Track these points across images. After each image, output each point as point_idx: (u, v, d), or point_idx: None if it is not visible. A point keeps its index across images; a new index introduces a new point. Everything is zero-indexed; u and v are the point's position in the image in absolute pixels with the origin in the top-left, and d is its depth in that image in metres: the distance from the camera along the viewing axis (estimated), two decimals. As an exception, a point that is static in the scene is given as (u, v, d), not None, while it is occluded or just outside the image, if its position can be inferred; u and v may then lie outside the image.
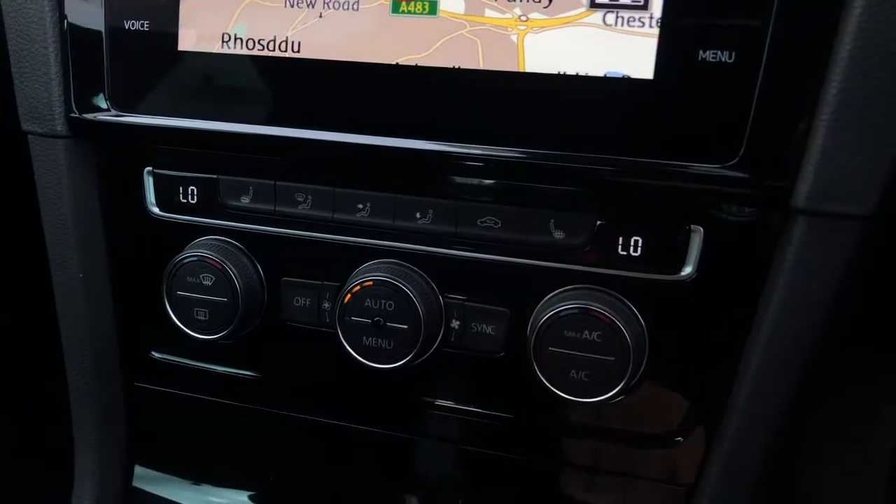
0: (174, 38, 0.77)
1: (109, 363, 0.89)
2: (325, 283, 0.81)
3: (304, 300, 0.82)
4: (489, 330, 0.78)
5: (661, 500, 0.76)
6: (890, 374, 1.02)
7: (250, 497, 0.90)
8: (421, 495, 0.85)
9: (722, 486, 0.74)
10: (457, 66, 0.70)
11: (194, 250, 0.81)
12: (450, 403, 0.80)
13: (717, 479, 0.74)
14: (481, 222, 0.75)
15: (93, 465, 0.88)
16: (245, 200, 0.82)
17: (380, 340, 0.78)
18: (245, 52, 0.75)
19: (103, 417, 0.89)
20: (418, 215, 0.77)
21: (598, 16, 0.67)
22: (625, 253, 0.72)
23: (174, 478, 0.91)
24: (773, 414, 0.71)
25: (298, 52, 0.74)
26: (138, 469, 0.90)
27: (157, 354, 0.89)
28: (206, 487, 0.90)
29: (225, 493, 0.90)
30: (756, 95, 0.63)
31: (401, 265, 0.78)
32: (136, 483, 0.90)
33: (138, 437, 0.91)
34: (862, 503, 1.00)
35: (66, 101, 0.82)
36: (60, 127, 0.83)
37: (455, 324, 0.78)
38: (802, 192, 0.64)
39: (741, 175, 0.65)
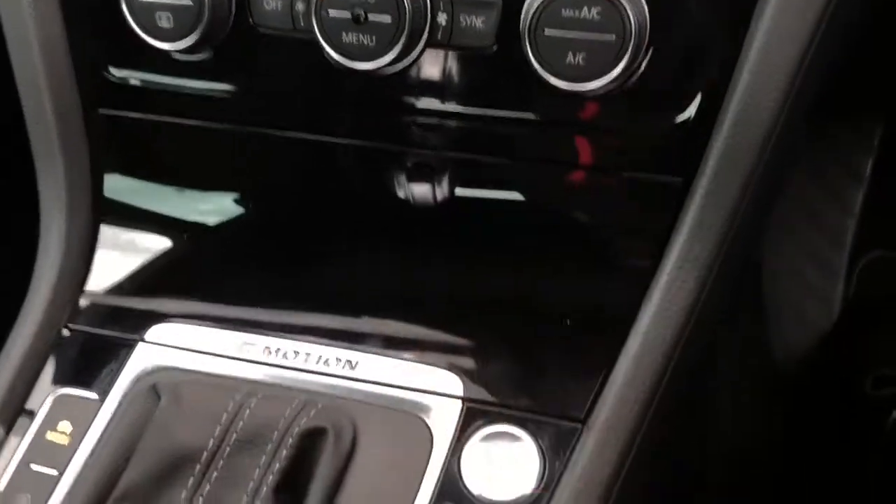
0: None
1: (65, 88, 0.82)
2: (299, -19, 0.75)
3: (276, 2, 0.76)
4: (479, 23, 0.73)
5: (658, 193, 0.74)
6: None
7: (232, 202, 0.86)
8: (403, 206, 0.82)
9: (717, 178, 0.72)
10: None
11: None
12: (439, 106, 0.76)
13: (713, 169, 0.72)
14: None
15: (58, 191, 0.83)
16: None
17: (361, 36, 0.72)
18: None
19: (63, 146, 0.83)
20: None
21: None
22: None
23: (147, 185, 0.85)
24: (771, 98, 0.69)
25: None
26: (108, 179, 0.84)
27: (115, 72, 0.82)
28: (179, 197, 0.85)
29: (200, 202, 0.85)
30: None
31: (383, -47, 0.72)
32: (108, 194, 0.84)
33: (104, 164, 0.85)
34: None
35: None
36: None
37: (442, 18, 0.73)
38: None
39: None
